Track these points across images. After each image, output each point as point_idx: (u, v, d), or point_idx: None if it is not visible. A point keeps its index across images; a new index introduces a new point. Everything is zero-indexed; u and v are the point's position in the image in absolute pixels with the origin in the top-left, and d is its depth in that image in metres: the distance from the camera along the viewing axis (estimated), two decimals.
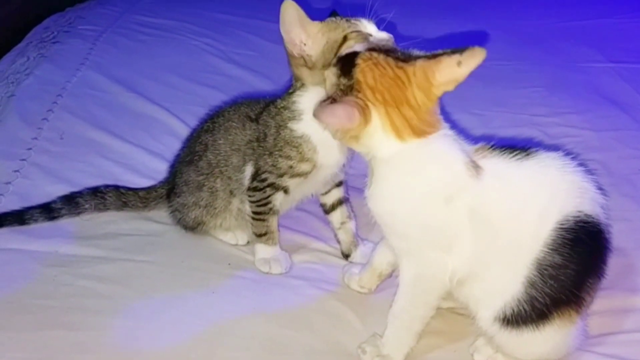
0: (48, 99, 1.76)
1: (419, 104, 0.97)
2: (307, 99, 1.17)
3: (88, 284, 1.18)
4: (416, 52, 0.99)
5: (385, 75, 0.97)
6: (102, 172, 1.51)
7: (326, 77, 1.02)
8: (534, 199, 0.98)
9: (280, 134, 1.19)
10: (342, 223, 1.31)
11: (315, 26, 1.13)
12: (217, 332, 1.10)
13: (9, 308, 1.12)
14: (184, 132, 1.68)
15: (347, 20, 1.14)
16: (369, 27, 1.14)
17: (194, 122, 1.71)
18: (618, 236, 1.08)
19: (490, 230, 0.98)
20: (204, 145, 1.29)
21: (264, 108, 1.25)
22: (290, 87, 1.21)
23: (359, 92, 0.97)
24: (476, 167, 0.99)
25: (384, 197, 1.01)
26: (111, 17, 2.36)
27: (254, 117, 1.25)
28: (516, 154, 1.00)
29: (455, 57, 0.94)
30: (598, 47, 2.33)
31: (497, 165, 0.99)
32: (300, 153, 1.18)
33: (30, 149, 1.56)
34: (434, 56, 0.95)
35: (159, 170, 1.52)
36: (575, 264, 0.97)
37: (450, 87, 0.96)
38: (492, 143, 1.02)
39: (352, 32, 1.12)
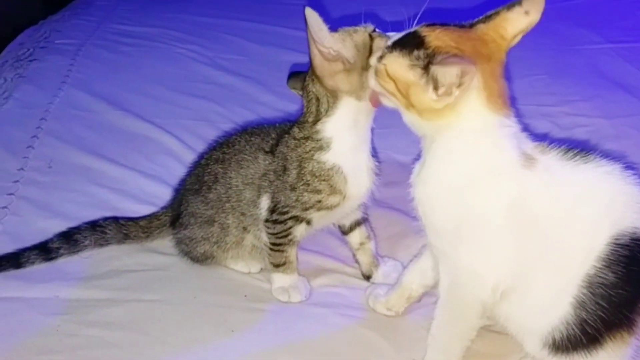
0: (31, 124, 1.65)
1: (500, 62, 0.93)
2: (333, 125, 1.10)
3: (95, 332, 1.09)
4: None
5: (462, 37, 0.92)
6: (97, 201, 1.41)
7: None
8: (588, 204, 0.91)
9: (304, 167, 1.11)
10: (361, 244, 1.24)
11: (335, 34, 1.06)
12: None
13: None
14: (179, 150, 1.59)
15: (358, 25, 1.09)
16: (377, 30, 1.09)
17: (189, 139, 1.63)
18: None
19: (535, 231, 0.91)
20: (213, 175, 1.20)
21: (279, 138, 1.16)
22: (306, 115, 1.12)
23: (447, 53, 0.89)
24: (530, 158, 0.92)
25: (429, 181, 0.96)
26: (88, 28, 2.25)
27: (268, 149, 1.16)
28: (574, 156, 0.93)
29: (521, 9, 0.93)
30: (594, 27, 2.27)
31: (554, 161, 0.93)
32: (332, 186, 1.10)
33: (17, 181, 1.45)
34: (495, 15, 0.94)
35: (157, 194, 1.43)
36: (629, 284, 0.90)
37: (517, 39, 0.94)
38: (550, 143, 0.96)
39: (373, 31, 1.07)
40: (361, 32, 1.07)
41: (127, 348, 1.06)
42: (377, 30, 1.08)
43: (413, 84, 0.91)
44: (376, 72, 0.97)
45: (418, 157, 1.02)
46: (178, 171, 1.43)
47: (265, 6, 2.49)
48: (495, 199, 0.92)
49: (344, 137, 1.10)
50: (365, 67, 1.06)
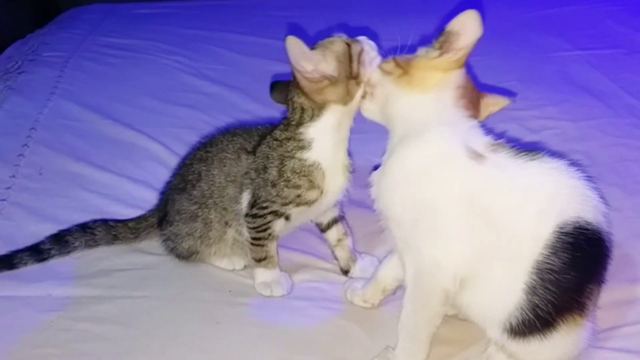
0: (22, 134, 1.71)
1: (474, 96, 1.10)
2: (316, 128, 1.17)
3: (87, 326, 1.15)
4: None
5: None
6: (86, 205, 1.47)
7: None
8: (533, 196, 0.98)
9: (285, 165, 1.18)
10: (339, 240, 1.30)
11: (314, 52, 1.14)
12: None
13: None
14: (166, 156, 1.65)
15: (332, 37, 1.17)
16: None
17: (175, 145, 1.69)
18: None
19: (488, 221, 0.98)
20: (197, 174, 1.27)
21: (260, 140, 1.23)
22: (290, 120, 1.19)
23: None
24: (478, 154, 1.01)
25: (387, 174, 1.05)
26: (75, 41, 2.31)
27: (250, 149, 1.23)
28: (522, 155, 1.01)
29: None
30: (564, 36, 2.35)
31: (501, 158, 1.01)
32: (311, 181, 1.18)
33: (9, 187, 1.51)
34: None
35: (144, 198, 1.49)
36: (575, 269, 0.96)
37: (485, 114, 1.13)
38: (502, 140, 1.05)
39: (347, 38, 1.15)
40: (338, 43, 1.15)
41: (118, 341, 1.12)
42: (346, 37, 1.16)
43: (418, 54, 1.09)
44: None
45: None
46: (164, 176, 1.49)
47: (248, 18, 2.55)
48: (447, 189, 1.00)
49: (325, 138, 1.18)
50: (349, 75, 1.13)
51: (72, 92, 1.94)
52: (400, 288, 1.21)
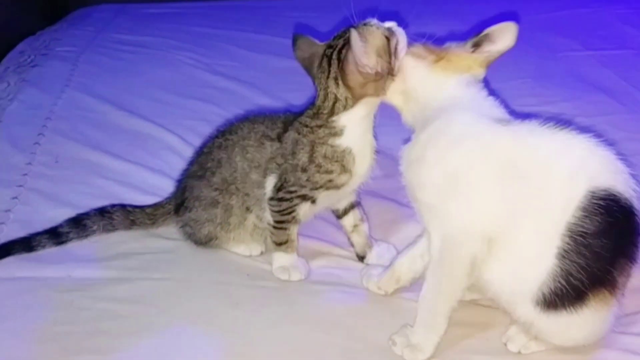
0: (37, 123, 1.72)
1: None
2: (348, 117, 1.17)
3: (107, 306, 1.15)
4: None
5: None
6: (103, 192, 1.47)
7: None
8: (564, 156, 0.99)
9: (317, 151, 1.18)
10: (355, 226, 1.31)
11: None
12: (247, 343, 1.09)
13: (30, 338, 1.09)
14: (181, 146, 1.66)
15: (365, 25, 1.15)
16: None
17: (190, 136, 1.70)
18: None
19: (517, 177, 0.98)
20: (216, 161, 1.27)
21: (285, 127, 1.23)
22: (321, 108, 1.18)
23: None
24: (505, 120, 1.04)
25: (417, 145, 1.07)
26: (87, 37, 2.32)
27: (273, 136, 1.24)
28: (553, 126, 1.02)
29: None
30: (575, 37, 2.37)
31: (531, 125, 1.03)
32: (343, 165, 1.18)
33: (25, 174, 1.52)
34: None
35: (160, 186, 1.50)
36: (607, 236, 0.96)
37: None
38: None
39: (384, 30, 1.14)
40: (378, 35, 1.12)
41: (137, 319, 1.13)
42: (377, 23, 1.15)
43: (451, 45, 1.14)
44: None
45: None
46: (180, 165, 1.49)
47: (256, 17, 2.57)
48: (476, 150, 1.01)
49: (356, 125, 1.18)
50: (390, 71, 1.12)
51: (85, 85, 1.95)
52: (415, 283, 1.21)
